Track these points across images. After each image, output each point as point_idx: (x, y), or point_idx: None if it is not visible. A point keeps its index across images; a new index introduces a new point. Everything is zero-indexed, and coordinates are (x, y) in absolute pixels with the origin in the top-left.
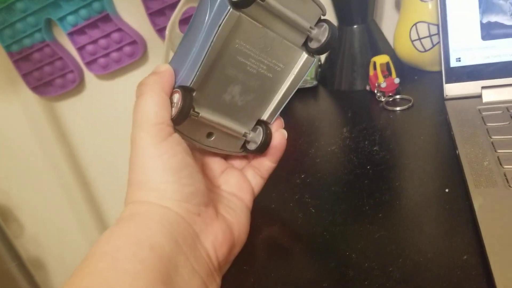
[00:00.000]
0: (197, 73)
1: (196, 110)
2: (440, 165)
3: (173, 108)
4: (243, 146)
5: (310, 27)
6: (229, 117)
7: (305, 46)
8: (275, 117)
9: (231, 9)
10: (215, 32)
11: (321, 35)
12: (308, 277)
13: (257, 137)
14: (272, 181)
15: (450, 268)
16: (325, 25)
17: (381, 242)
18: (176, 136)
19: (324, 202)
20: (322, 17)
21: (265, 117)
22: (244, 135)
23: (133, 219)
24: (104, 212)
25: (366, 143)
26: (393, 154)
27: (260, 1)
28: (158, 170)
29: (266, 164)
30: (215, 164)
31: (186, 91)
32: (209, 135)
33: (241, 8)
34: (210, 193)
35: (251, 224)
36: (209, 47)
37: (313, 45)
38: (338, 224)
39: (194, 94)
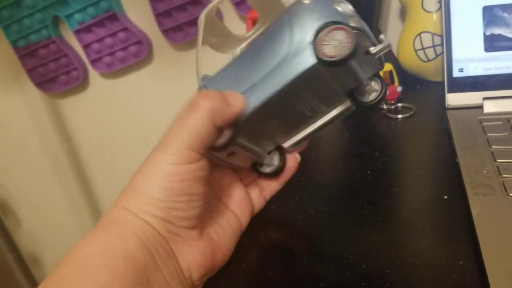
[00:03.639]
0: (256, 108)
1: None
2: (439, 172)
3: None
4: (254, 166)
5: (367, 81)
6: (254, 142)
7: (351, 93)
8: (296, 147)
9: (316, 65)
10: (291, 78)
11: (374, 90)
12: (306, 277)
13: (272, 161)
14: None
15: (446, 272)
16: (378, 81)
17: (379, 245)
18: (201, 164)
19: (324, 205)
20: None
21: (286, 145)
22: (261, 158)
23: (109, 227)
24: (102, 210)
25: (367, 148)
26: (393, 160)
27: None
28: (156, 185)
29: (274, 185)
30: (224, 174)
31: (237, 130)
32: (231, 154)
33: (327, 66)
34: (207, 207)
35: (251, 223)
36: (280, 88)
37: (362, 97)
38: (336, 227)
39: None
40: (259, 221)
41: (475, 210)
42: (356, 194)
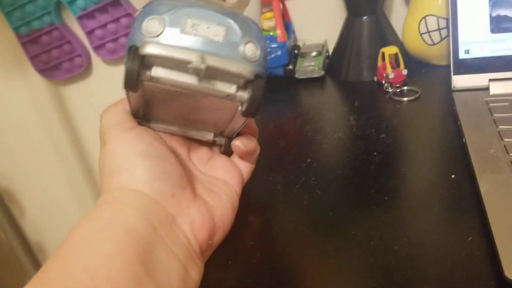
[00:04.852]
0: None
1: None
2: (446, 152)
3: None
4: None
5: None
6: (188, 127)
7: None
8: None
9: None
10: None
11: (244, 100)
12: (314, 253)
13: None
14: (278, 164)
15: (454, 248)
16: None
17: (387, 223)
18: (143, 127)
19: (330, 185)
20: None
21: (225, 131)
22: (208, 140)
23: (108, 204)
24: None
25: (372, 131)
26: (399, 142)
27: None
28: (126, 154)
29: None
30: (202, 151)
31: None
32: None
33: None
34: (191, 178)
35: (258, 203)
36: None
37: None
38: (343, 206)
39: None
40: (265, 200)
41: (483, 188)
42: (362, 175)
